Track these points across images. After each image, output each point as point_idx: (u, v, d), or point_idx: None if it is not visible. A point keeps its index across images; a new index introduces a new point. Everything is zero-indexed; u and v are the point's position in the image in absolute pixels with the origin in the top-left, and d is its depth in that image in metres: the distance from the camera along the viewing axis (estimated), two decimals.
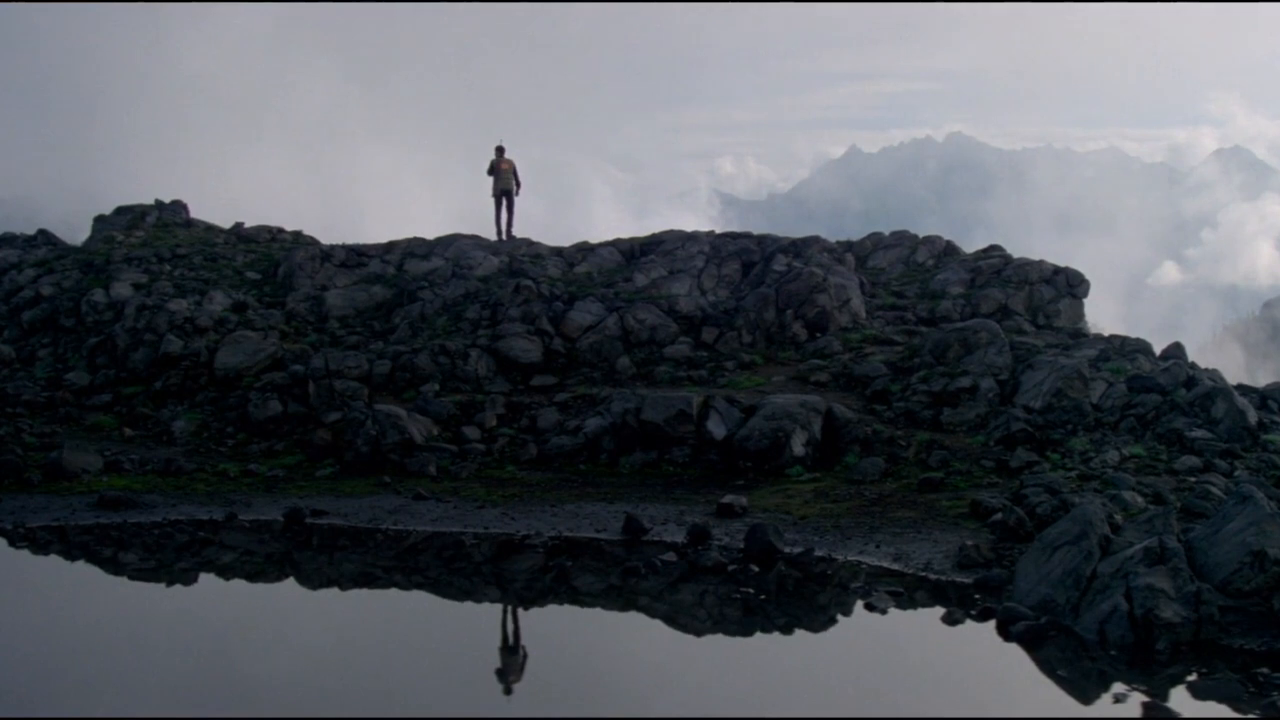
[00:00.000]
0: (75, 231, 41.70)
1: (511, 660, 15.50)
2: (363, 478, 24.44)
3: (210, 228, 40.59)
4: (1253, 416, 24.82)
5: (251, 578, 19.70)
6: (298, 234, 40.54)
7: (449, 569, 19.65)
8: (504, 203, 38.26)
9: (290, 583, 19.57)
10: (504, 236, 38.06)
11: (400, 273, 35.40)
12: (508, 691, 14.10)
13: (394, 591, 18.82)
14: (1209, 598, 14.73)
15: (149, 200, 41.80)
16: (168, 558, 20.04)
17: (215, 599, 18.42)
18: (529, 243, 37.44)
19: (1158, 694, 12.91)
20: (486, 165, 37.47)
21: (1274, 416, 25.94)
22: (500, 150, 37.74)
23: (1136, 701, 12.71)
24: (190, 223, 40.97)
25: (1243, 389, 27.29)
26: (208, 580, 19.18)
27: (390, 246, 37.13)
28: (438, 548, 20.38)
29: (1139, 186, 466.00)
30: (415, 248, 36.83)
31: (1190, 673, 13.59)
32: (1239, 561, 15.08)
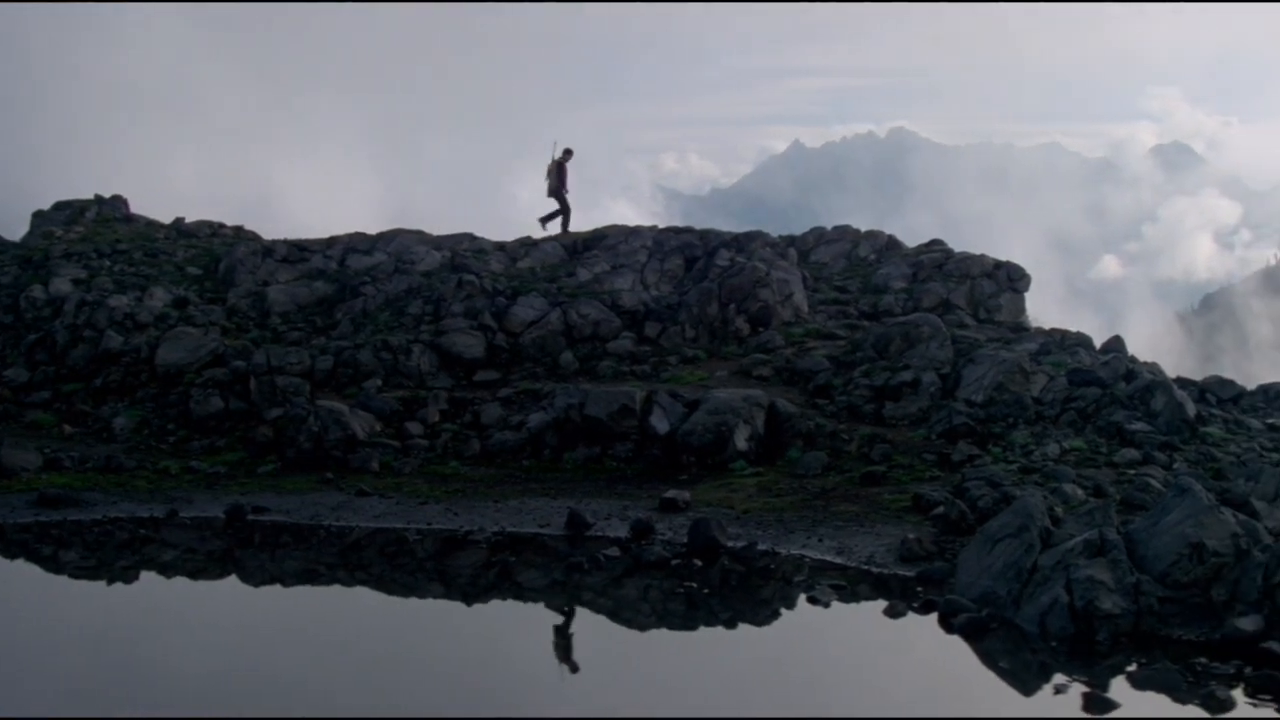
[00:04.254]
0: (13, 227, 41.28)
1: (457, 658, 15.46)
2: (305, 474, 24.34)
3: (151, 223, 40.24)
4: (1191, 409, 25.03)
5: (193, 576, 19.58)
6: (239, 229, 40.25)
7: (392, 565, 19.59)
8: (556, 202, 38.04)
9: (232, 580, 19.46)
10: (557, 232, 37.88)
11: (342, 268, 35.21)
12: (452, 692, 14.05)
13: (336, 588, 18.77)
14: (1148, 589, 14.84)
15: (88, 195, 41.40)
16: (108, 556, 19.90)
17: (156, 597, 18.28)
18: (471, 238, 37.32)
19: (1098, 685, 12.98)
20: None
21: (1212, 409, 26.17)
22: (553, 151, 37.58)
23: (1077, 692, 12.79)
24: (130, 218, 40.59)
25: (1182, 382, 27.52)
26: (149, 578, 19.06)
27: (332, 242, 36.91)
28: (380, 544, 20.31)
29: (1079, 182, 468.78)
30: (357, 243, 36.64)
31: (1130, 663, 13.69)
32: (1178, 553, 15.19)
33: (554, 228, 37.97)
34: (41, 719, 12.80)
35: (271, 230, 40.40)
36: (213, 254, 36.71)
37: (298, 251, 36.14)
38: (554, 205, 37.93)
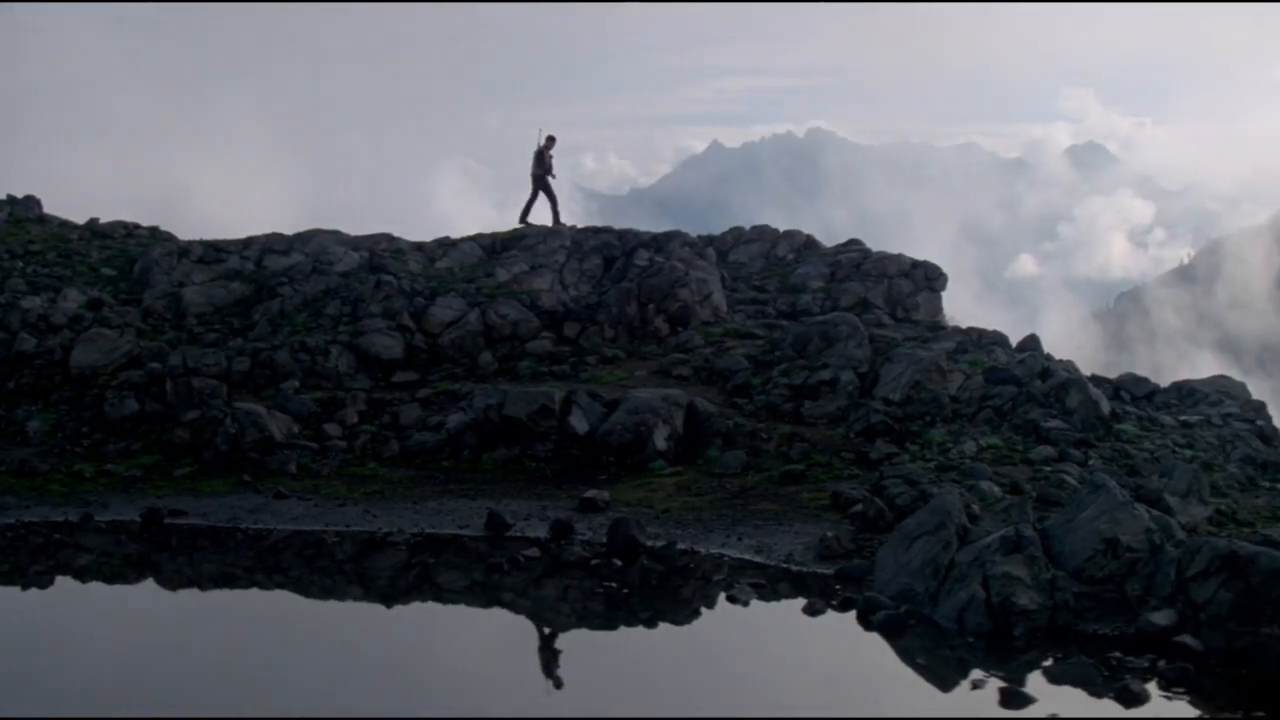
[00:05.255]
0: None
1: (376, 661, 15.39)
2: (222, 477, 24.12)
3: (64, 224, 39.72)
4: (1106, 407, 25.29)
5: (109, 580, 19.41)
6: (154, 230, 39.81)
7: (310, 568, 19.50)
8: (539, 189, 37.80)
9: (148, 584, 19.30)
10: (545, 222, 37.66)
11: (259, 269, 34.90)
12: (369, 694, 13.98)
13: (254, 592, 18.64)
14: (1064, 585, 14.99)
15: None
16: (21, 560, 19.66)
17: (71, 602, 18.11)
18: (389, 238, 37.11)
19: (1015, 680, 13.10)
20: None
21: (1127, 407, 26.46)
22: (537, 139, 37.45)
23: (994, 688, 12.89)
24: (43, 218, 40.05)
25: (1097, 380, 27.81)
26: (64, 583, 18.86)
27: (249, 242, 36.56)
28: (299, 547, 20.20)
29: (996, 181, 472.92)
30: (274, 243, 36.32)
31: (1046, 658, 13.82)
32: (1093, 549, 15.36)
33: (543, 219, 37.77)
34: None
35: (183, 230, 40.02)
36: (127, 255, 36.31)
37: (214, 252, 35.77)
38: (534, 198, 37.81)
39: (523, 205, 37.84)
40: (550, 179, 37.38)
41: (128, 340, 29.23)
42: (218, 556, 19.93)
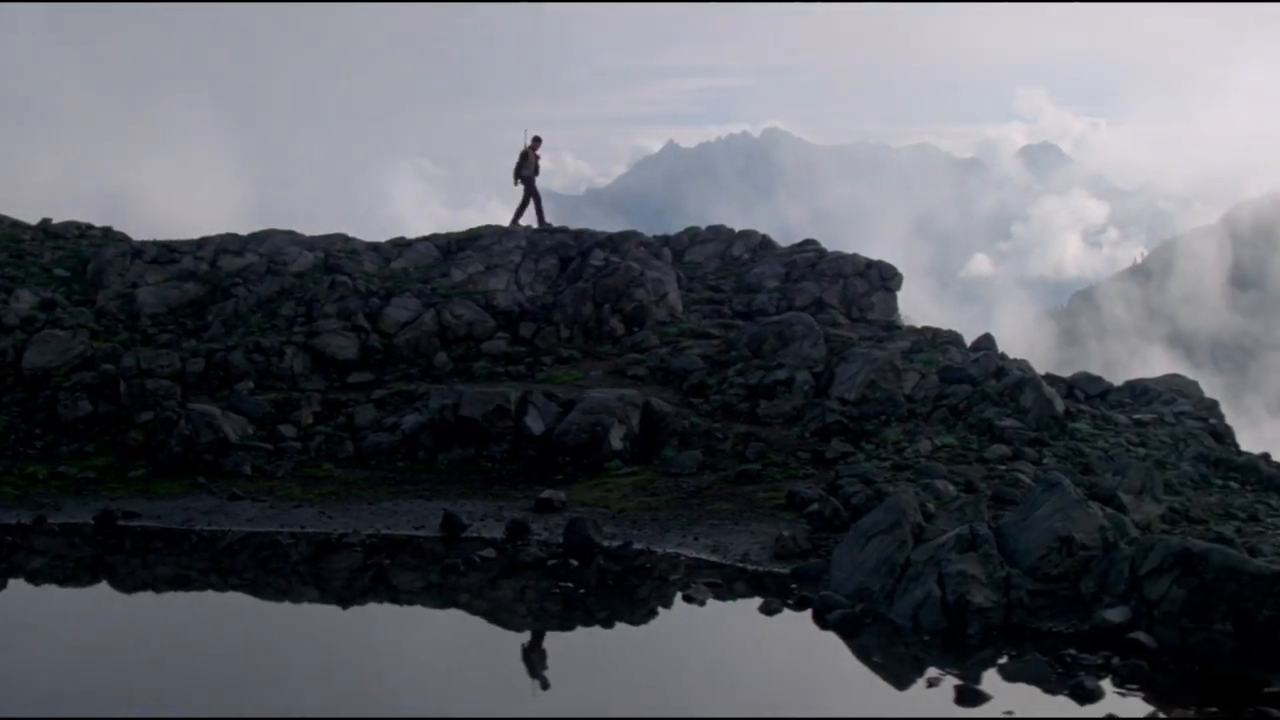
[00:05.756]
0: None
1: (331, 662, 15.33)
2: (176, 478, 23.98)
3: (16, 224, 39.41)
4: (1060, 405, 25.41)
5: (62, 583, 19.29)
6: (108, 230, 39.55)
7: (265, 570, 19.40)
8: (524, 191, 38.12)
9: (102, 587, 19.18)
10: (530, 224, 37.90)
11: (213, 269, 34.72)
12: (328, 694, 13.93)
13: (209, 594, 18.54)
14: (1019, 582, 15.05)
15: None
16: None
17: (24, 606, 17.99)
18: (344, 238, 36.99)
19: (970, 677, 13.14)
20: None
21: (1081, 405, 26.60)
22: (524, 139, 37.70)
23: (949, 685, 12.92)
24: None
25: (1051, 379, 27.95)
26: (16, 586, 18.72)
27: (203, 243, 36.37)
28: (254, 548, 20.11)
29: (951, 181, 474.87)
30: (228, 244, 36.14)
31: (1001, 656, 13.87)
32: (1047, 547, 15.42)
33: (531, 220, 37.90)
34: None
35: (136, 230, 39.75)
36: (81, 255, 36.07)
37: (168, 253, 35.56)
38: (525, 201, 37.91)
39: (514, 209, 38.06)
40: (534, 179, 37.62)
41: (81, 341, 29.05)
42: (172, 559, 19.82)
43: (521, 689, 14.10)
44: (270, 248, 35.40)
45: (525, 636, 16.44)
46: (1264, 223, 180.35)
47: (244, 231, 37.19)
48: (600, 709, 13.15)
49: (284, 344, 29.06)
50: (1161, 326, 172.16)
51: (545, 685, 14.27)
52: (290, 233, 37.26)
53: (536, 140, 37.39)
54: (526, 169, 37.29)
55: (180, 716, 12.83)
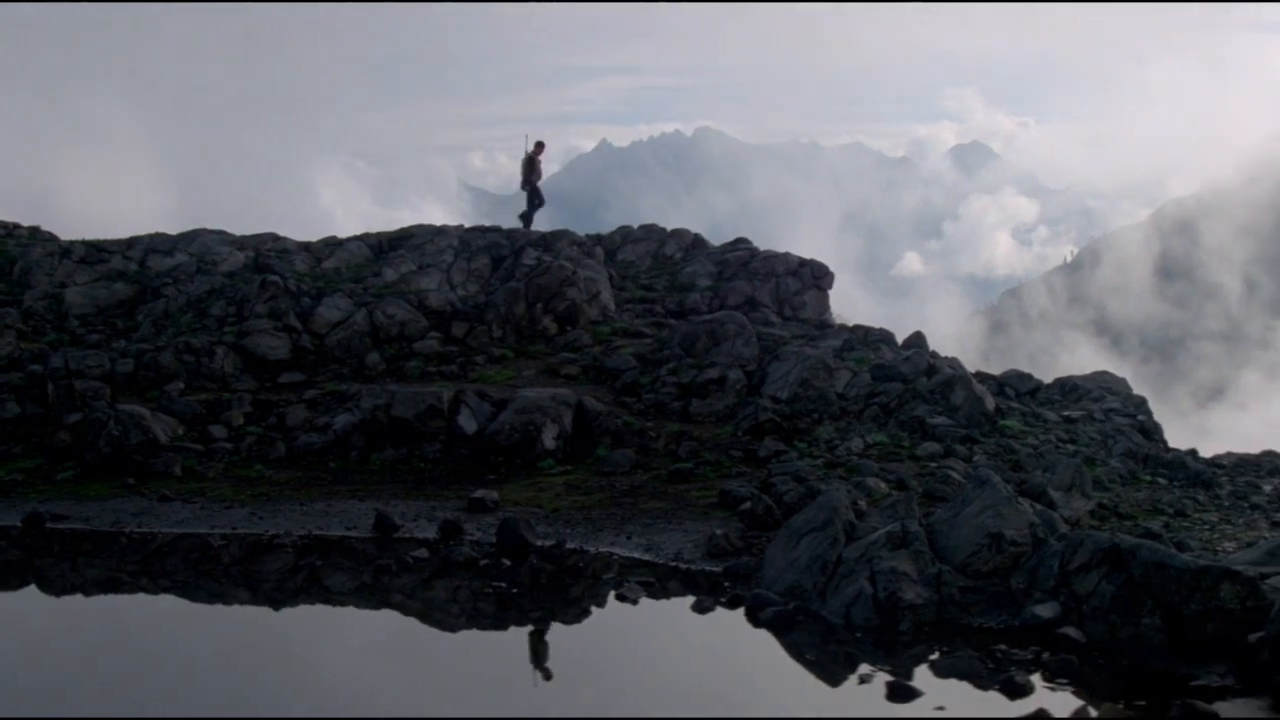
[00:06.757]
0: None
1: (261, 664, 15.24)
2: (106, 480, 23.80)
3: None
4: (990, 403, 25.61)
5: None
6: (34, 230, 39.19)
7: (196, 572, 19.22)
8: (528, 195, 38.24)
9: (30, 591, 18.99)
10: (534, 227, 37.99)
11: (143, 269, 34.49)
12: (259, 696, 13.84)
13: (139, 596, 18.39)
14: (950, 579, 15.13)
15: None
16: None
17: None
18: (275, 237, 36.82)
19: (901, 673, 13.17)
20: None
21: (1011, 403, 26.82)
22: (525, 145, 37.97)
23: (881, 681, 12.96)
24: None
25: (981, 376, 28.17)
26: None
27: (132, 242, 36.13)
28: (184, 550, 19.93)
29: (882, 180, 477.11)
30: (158, 243, 35.91)
31: (932, 652, 13.92)
32: (978, 543, 15.50)
33: (538, 221, 38.09)
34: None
35: (59, 229, 39.44)
36: (7, 255, 35.71)
37: (96, 252, 35.30)
38: (531, 204, 38.04)
39: (523, 212, 38.19)
40: (538, 183, 37.89)
41: (8, 342, 28.84)
42: (101, 561, 19.64)
43: (453, 689, 14.05)
44: (200, 247, 35.20)
45: (455, 636, 16.39)
46: (1191, 219, 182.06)
47: (173, 231, 36.98)
48: (533, 709, 13.13)
49: (214, 344, 28.90)
50: (1092, 325, 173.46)
51: (549, 676, 14.30)
52: (220, 232, 37.07)
53: (539, 145, 37.80)
54: (533, 174, 37.50)
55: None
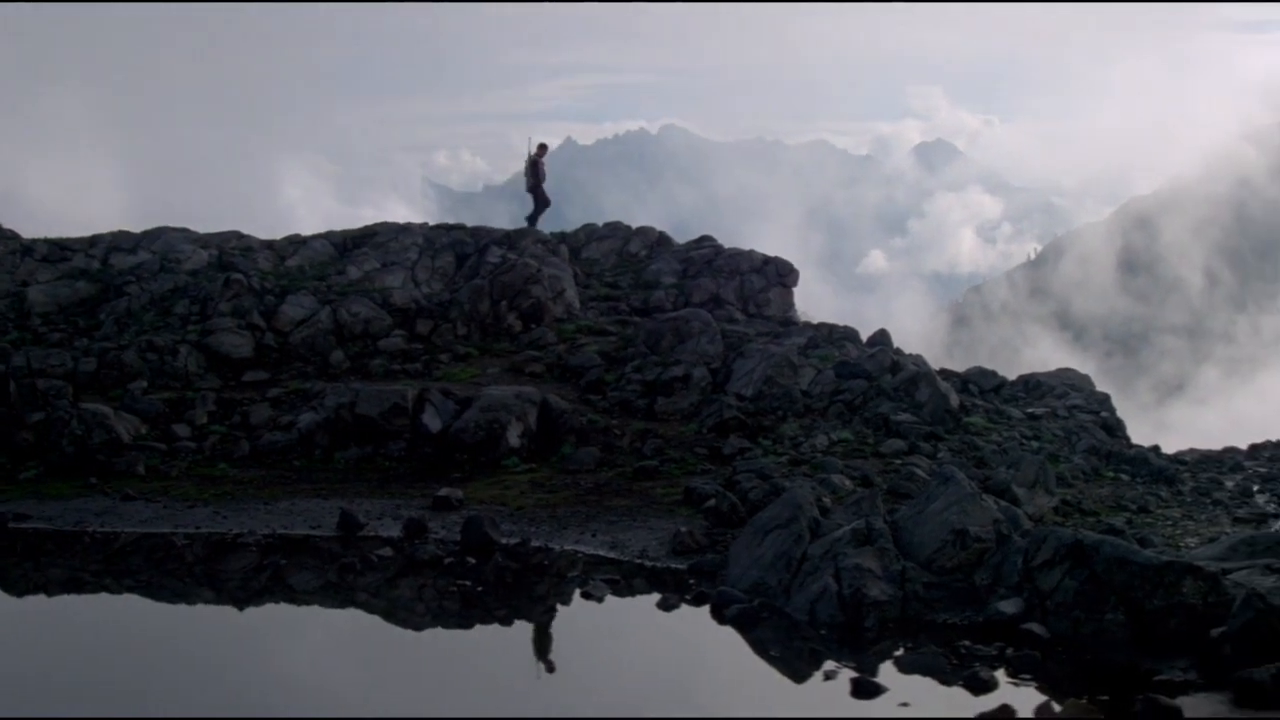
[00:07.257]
0: None
1: (227, 664, 15.19)
2: (68, 479, 23.68)
3: None
4: (955, 400, 25.68)
5: None
6: None
7: (160, 571, 19.16)
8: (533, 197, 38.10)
9: None
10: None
11: (106, 267, 34.30)
12: (223, 696, 13.80)
13: (102, 596, 18.32)
14: (914, 575, 15.18)
15: None
16: None
17: None
18: (239, 236, 36.66)
19: (866, 670, 13.21)
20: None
21: (975, 400, 26.89)
22: (528, 147, 37.82)
23: (846, 678, 12.99)
24: None
25: (945, 373, 28.25)
26: None
27: (95, 240, 35.92)
28: (148, 549, 19.86)
29: (847, 177, 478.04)
30: (121, 241, 35.72)
31: (897, 648, 13.97)
32: (942, 540, 15.56)
33: (544, 221, 37.98)
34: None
35: (18, 227, 39.20)
36: None
37: (58, 250, 35.08)
38: (538, 206, 37.93)
39: (530, 213, 38.08)
40: (542, 185, 37.74)
41: None
42: (64, 561, 19.55)
43: (417, 688, 14.03)
44: (163, 245, 35.00)
45: (419, 635, 16.37)
46: (1154, 215, 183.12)
47: (136, 229, 36.75)
48: (498, 708, 13.12)
49: (178, 343, 28.78)
50: (1055, 320, 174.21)
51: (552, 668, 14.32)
52: (184, 230, 36.85)
53: (542, 147, 37.70)
54: (534, 177, 37.43)
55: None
